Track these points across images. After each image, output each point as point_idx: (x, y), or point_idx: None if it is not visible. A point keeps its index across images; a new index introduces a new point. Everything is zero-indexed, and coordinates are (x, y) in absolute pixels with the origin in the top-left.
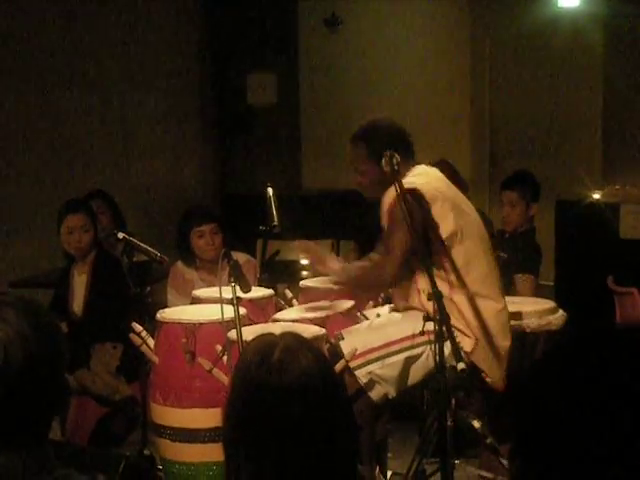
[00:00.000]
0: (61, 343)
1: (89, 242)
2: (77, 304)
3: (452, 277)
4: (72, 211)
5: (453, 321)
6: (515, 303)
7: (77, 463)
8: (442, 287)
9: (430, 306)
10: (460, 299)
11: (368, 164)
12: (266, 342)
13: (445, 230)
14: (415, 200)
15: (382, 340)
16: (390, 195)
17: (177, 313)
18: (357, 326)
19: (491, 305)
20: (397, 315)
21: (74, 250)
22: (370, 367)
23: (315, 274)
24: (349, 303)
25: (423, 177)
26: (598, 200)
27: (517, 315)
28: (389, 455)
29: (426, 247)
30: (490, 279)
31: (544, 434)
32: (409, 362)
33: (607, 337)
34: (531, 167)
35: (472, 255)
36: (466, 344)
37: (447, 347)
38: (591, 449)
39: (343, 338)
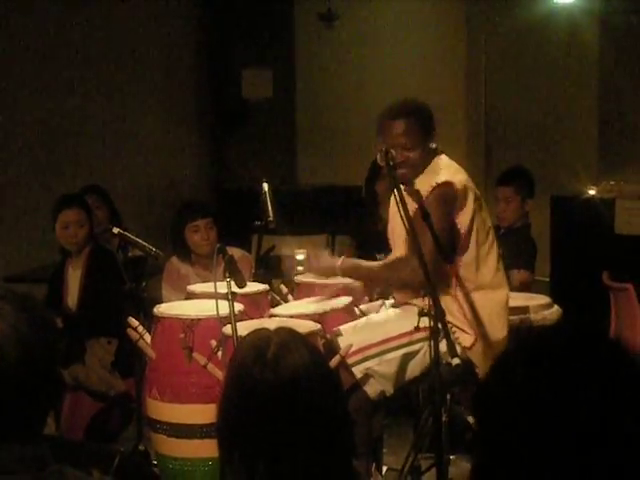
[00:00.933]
0: (55, 338)
1: (84, 237)
2: (72, 299)
3: (461, 271)
4: (67, 206)
5: (452, 318)
6: (510, 298)
7: (71, 458)
8: (447, 281)
9: None
10: (464, 294)
11: (418, 138)
12: (261, 337)
13: (467, 224)
14: (446, 194)
15: (380, 336)
16: (426, 186)
17: (175, 308)
18: (355, 322)
19: (498, 296)
20: (395, 311)
21: (69, 245)
22: (368, 363)
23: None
24: (347, 299)
25: (452, 169)
26: (593, 196)
27: (512, 310)
28: (384, 450)
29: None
30: (498, 267)
31: (499, 429)
32: (407, 358)
33: (558, 339)
34: (526, 163)
35: (484, 247)
36: (465, 340)
37: (444, 344)
38: (537, 444)
39: (341, 334)
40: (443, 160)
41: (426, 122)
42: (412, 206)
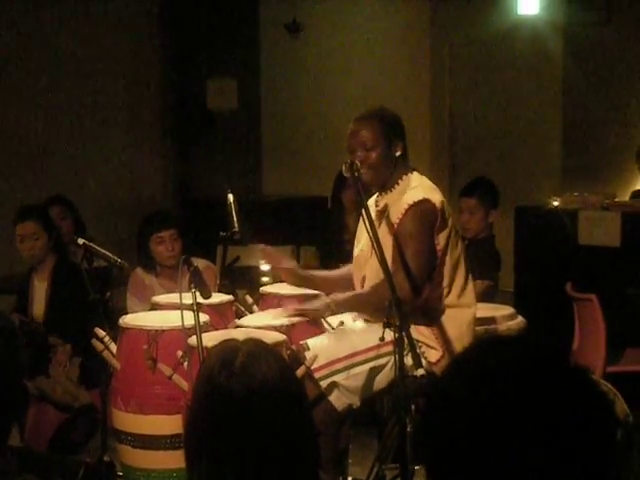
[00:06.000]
0: (20, 349)
1: (41, 249)
2: (38, 310)
3: (430, 289)
4: (21, 219)
5: (421, 336)
6: None
7: (37, 469)
8: (417, 299)
9: None
10: (433, 311)
11: (378, 141)
12: (229, 348)
13: (443, 244)
14: (424, 212)
15: (347, 350)
16: (402, 204)
17: (139, 319)
18: (322, 336)
19: (468, 313)
20: (362, 324)
21: (26, 257)
22: (335, 378)
23: (275, 279)
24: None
25: (426, 188)
26: (557, 207)
27: (477, 321)
28: (349, 461)
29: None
30: (469, 285)
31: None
32: (374, 372)
33: (516, 350)
34: (490, 174)
35: (456, 265)
36: (431, 355)
37: (410, 358)
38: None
39: (309, 349)
40: (416, 177)
41: (390, 128)
42: (382, 224)
